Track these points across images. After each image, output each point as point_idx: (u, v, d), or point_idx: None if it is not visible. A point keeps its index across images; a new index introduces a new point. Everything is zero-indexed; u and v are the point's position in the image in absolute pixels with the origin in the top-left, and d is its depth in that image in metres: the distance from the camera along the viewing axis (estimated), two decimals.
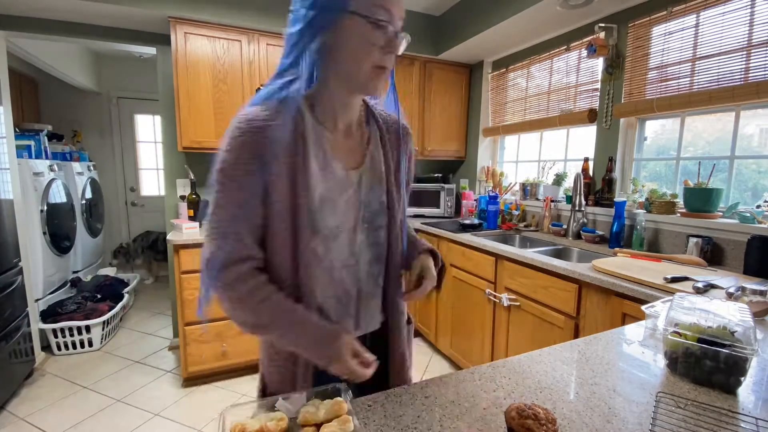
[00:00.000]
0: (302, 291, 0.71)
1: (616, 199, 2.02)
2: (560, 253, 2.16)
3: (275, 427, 0.55)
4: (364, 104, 0.80)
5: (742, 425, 0.60)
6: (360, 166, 0.75)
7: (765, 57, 1.56)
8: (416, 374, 2.50)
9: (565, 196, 2.48)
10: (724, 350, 0.70)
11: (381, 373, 0.72)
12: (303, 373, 0.72)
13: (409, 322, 0.88)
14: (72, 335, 2.70)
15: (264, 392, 0.79)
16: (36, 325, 2.57)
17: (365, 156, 0.76)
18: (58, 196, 2.98)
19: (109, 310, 2.89)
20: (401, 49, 0.67)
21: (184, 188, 2.73)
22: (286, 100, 0.67)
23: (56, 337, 2.67)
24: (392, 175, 0.78)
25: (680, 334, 0.75)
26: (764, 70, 1.56)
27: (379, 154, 0.77)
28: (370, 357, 0.66)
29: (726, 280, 1.36)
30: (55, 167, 3.00)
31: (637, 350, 0.88)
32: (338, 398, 0.61)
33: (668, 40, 1.90)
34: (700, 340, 0.72)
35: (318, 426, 0.57)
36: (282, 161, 0.66)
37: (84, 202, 3.45)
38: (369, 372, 0.65)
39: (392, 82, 0.76)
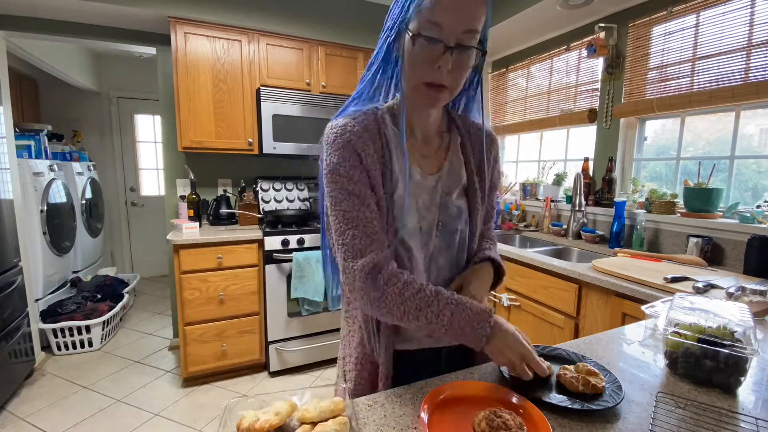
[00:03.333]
0: None
1: (616, 199, 2.02)
2: (560, 253, 2.16)
3: (264, 425, 0.54)
4: (446, 112, 0.82)
5: (742, 425, 0.60)
6: (437, 172, 0.77)
7: (765, 57, 1.56)
8: None
9: (565, 196, 2.48)
10: (724, 350, 0.69)
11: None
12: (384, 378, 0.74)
13: None
14: (72, 335, 2.70)
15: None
16: (36, 325, 2.57)
17: (443, 162, 0.78)
18: (58, 196, 2.98)
19: (109, 310, 2.89)
20: (469, 63, 0.66)
21: (184, 188, 2.73)
22: (369, 111, 0.73)
23: (56, 337, 2.67)
24: (473, 181, 0.79)
25: (680, 334, 0.75)
26: (764, 70, 1.56)
27: (458, 160, 0.79)
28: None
29: (726, 280, 1.36)
30: (55, 167, 3.00)
31: (637, 350, 0.88)
32: (337, 398, 0.61)
33: (668, 40, 1.90)
34: (700, 340, 0.72)
35: (314, 425, 0.57)
36: (376, 161, 0.70)
37: (84, 202, 3.45)
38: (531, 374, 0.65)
39: (478, 91, 0.79)
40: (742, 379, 0.70)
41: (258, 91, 2.47)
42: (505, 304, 2.00)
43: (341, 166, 0.68)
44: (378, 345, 0.75)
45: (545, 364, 0.68)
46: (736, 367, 0.69)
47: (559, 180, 2.59)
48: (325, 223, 0.78)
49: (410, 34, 0.64)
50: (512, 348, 0.65)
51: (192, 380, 2.34)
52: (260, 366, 2.49)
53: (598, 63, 2.25)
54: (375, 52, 0.73)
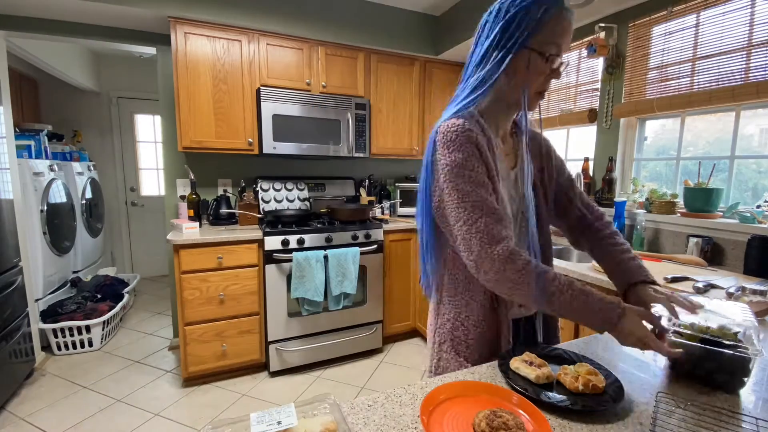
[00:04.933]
0: None
1: (617, 199, 2.02)
2: (560, 253, 2.16)
3: None
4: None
5: (742, 425, 0.60)
6: (515, 166, 0.91)
7: (765, 57, 1.56)
8: (416, 375, 2.50)
9: None
10: (727, 351, 0.69)
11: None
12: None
13: None
14: (72, 335, 2.70)
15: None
16: (36, 325, 2.57)
17: (518, 158, 0.92)
18: (58, 196, 2.98)
19: (109, 310, 2.89)
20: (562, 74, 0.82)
21: (184, 188, 2.73)
22: (471, 113, 0.82)
23: (56, 337, 2.67)
24: (537, 176, 0.92)
25: (681, 334, 0.75)
26: (764, 70, 1.56)
27: (526, 156, 0.91)
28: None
29: (726, 280, 1.36)
30: (55, 167, 3.00)
31: (637, 350, 0.88)
32: (329, 418, 0.58)
33: (668, 40, 1.90)
34: (702, 341, 0.72)
35: None
36: (488, 156, 0.79)
37: (84, 202, 3.45)
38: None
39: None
40: (746, 379, 0.70)
41: (258, 91, 2.47)
42: None
43: (468, 161, 0.76)
44: (501, 318, 0.85)
45: (666, 341, 0.72)
46: (739, 367, 0.69)
47: None
48: (424, 210, 0.86)
49: (541, 53, 0.76)
50: (632, 333, 0.68)
51: (192, 380, 2.34)
52: (260, 366, 2.49)
53: (598, 63, 2.25)
54: (483, 62, 0.81)
